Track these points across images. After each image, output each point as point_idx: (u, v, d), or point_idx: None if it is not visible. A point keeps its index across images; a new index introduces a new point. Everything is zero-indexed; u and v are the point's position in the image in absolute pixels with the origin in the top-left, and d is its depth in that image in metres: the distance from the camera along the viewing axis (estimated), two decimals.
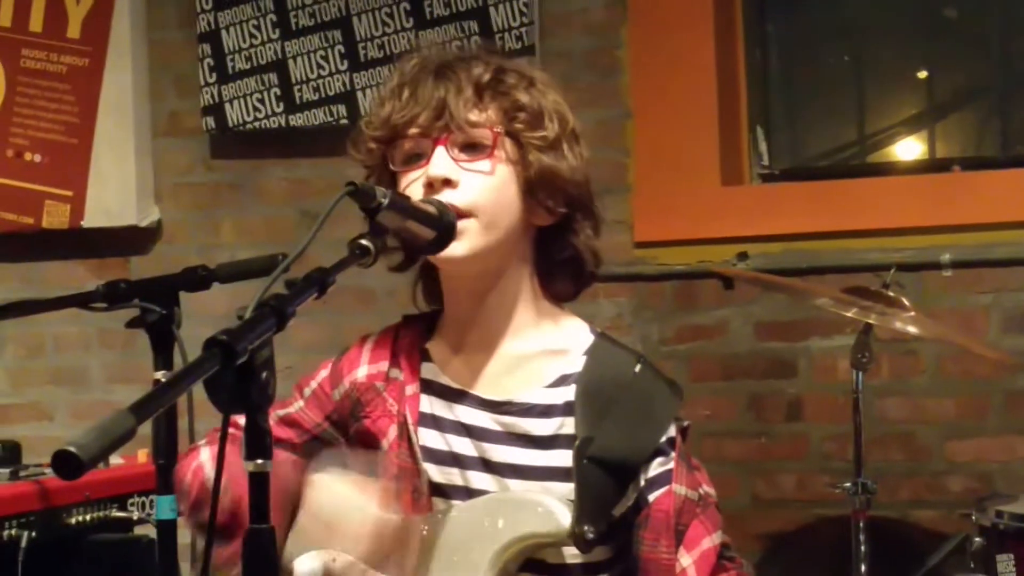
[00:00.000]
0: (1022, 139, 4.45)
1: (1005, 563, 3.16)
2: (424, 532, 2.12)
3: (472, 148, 2.14)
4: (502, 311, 2.20)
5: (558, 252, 2.22)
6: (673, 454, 2.17)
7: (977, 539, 3.22)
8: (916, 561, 3.47)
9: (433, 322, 2.29)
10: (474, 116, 2.13)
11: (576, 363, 2.19)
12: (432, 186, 2.11)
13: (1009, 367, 3.95)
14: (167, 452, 2.59)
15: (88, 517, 3.26)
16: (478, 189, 2.12)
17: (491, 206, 2.12)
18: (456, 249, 2.11)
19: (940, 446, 4.08)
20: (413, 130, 2.15)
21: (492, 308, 2.20)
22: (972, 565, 3.18)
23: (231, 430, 1.96)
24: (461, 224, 2.10)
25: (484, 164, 2.13)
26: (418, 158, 2.15)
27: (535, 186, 2.14)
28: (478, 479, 2.16)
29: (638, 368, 2.20)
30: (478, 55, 2.20)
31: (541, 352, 2.21)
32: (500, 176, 2.14)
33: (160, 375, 2.61)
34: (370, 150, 2.21)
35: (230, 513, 2.08)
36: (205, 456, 2.26)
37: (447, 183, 2.11)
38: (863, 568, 3.33)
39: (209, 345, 1.53)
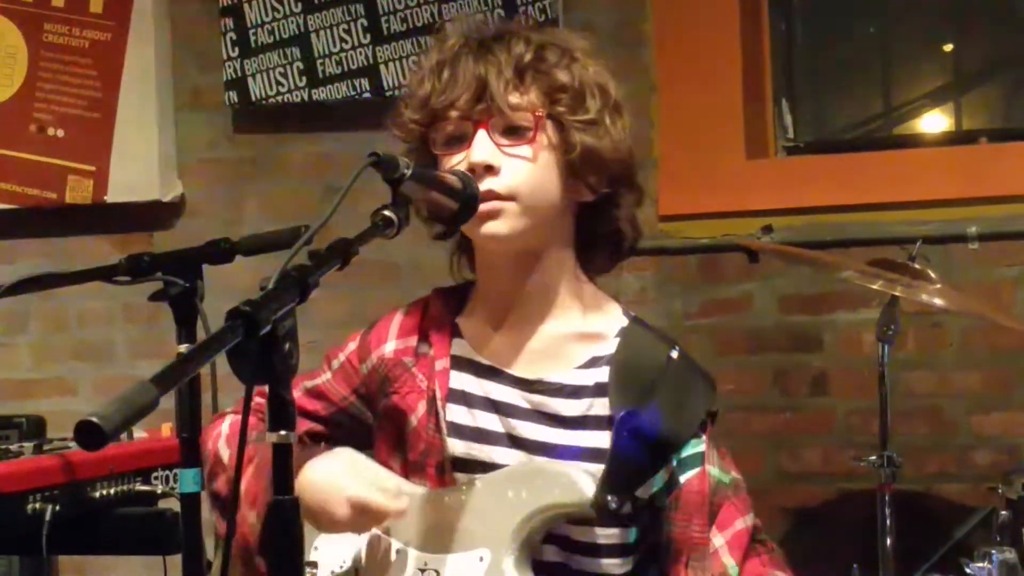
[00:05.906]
0: None
1: None
2: (447, 502, 2.12)
3: (514, 132, 2.10)
4: (539, 290, 2.18)
5: (600, 227, 2.20)
6: (704, 436, 2.17)
7: (1003, 512, 3.20)
8: (942, 535, 3.45)
9: (464, 296, 2.27)
10: (515, 99, 2.09)
11: (609, 345, 2.18)
12: (474, 171, 2.07)
13: None
14: (191, 425, 2.58)
15: (112, 491, 3.26)
16: (520, 175, 2.09)
17: (531, 191, 2.09)
18: (497, 228, 2.09)
19: (966, 419, 4.07)
20: (453, 113, 2.12)
21: (529, 287, 2.17)
22: (999, 538, 3.17)
23: (258, 399, 1.95)
24: (500, 204, 2.08)
25: (526, 149, 2.09)
26: (459, 140, 2.12)
27: (578, 167, 2.11)
28: (504, 455, 2.15)
29: (674, 354, 2.19)
30: (517, 31, 2.15)
31: (575, 333, 2.19)
32: (542, 161, 2.10)
33: (183, 348, 2.60)
34: (410, 130, 2.18)
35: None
36: (226, 427, 2.26)
37: (488, 169, 2.08)
38: (889, 542, 3.31)
39: (232, 316, 1.51)
